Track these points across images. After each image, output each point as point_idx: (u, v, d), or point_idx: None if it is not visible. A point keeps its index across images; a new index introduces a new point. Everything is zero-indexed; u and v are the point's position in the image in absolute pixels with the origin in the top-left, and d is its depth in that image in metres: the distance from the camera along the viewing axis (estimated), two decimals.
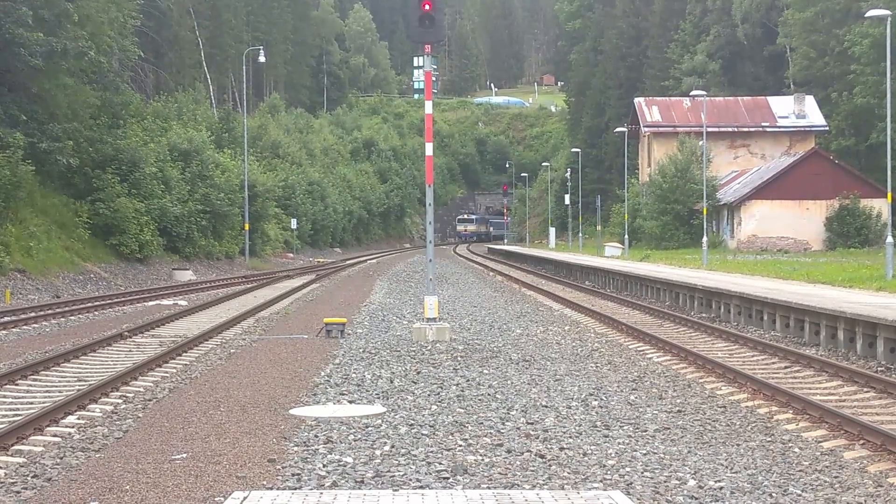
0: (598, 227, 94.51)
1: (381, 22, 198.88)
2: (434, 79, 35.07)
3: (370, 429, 12.98)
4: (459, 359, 19.94)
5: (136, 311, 32.41)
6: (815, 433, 12.79)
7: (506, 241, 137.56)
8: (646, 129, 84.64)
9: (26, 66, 43.90)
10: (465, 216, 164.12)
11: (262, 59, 75.26)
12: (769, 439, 12.55)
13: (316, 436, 12.50)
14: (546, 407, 14.59)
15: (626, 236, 70.65)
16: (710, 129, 64.92)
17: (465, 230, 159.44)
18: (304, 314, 30.68)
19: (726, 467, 11.09)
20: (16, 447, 11.98)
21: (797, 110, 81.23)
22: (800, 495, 10.00)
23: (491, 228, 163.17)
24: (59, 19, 45.64)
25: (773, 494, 10.00)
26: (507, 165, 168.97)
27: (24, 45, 43.00)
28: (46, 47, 43.68)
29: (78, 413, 14.07)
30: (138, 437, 12.61)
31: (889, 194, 34.97)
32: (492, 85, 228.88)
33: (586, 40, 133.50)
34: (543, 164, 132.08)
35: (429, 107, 24.31)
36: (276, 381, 16.97)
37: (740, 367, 18.14)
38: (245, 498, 9.19)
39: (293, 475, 10.54)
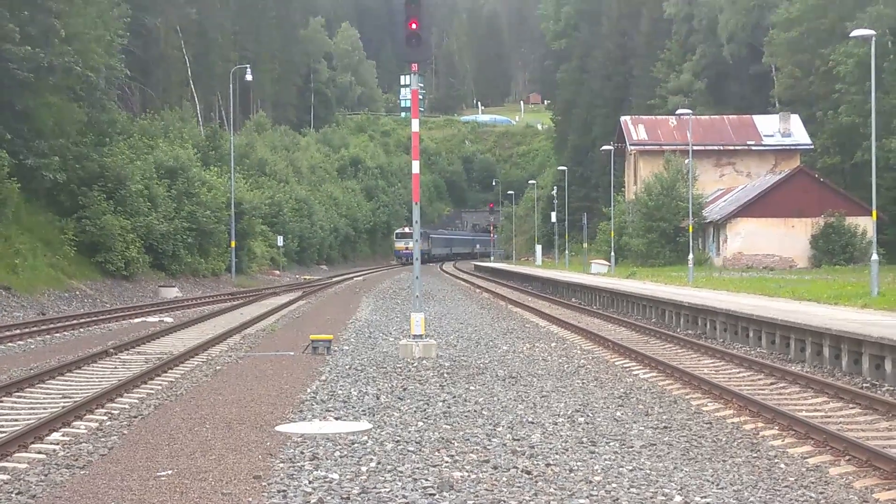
0: (585, 245, 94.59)
1: (369, 40, 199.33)
2: (421, 97, 35.13)
3: (356, 445, 12.96)
4: (446, 375, 19.92)
5: (121, 328, 32.32)
6: (801, 449, 12.81)
7: (492, 258, 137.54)
8: (632, 147, 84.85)
9: (13, 81, 43.85)
10: (407, 229, 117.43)
11: (248, 77, 75.25)
12: (755, 455, 12.57)
13: (302, 452, 12.47)
14: (532, 423, 14.59)
15: (613, 254, 70.76)
16: (696, 148, 65.12)
17: (406, 249, 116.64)
18: (291, 331, 30.63)
19: (712, 483, 11.10)
20: (0, 464, 11.92)
21: (782, 129, 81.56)
22: None
23: (476, 246, 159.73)
24: (46, 35, 45.61)
25: None
26: (494, 183, 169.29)
27: (11, 59, 42.97)
28: (33, 62, 43.65)
29: (63, 430, 14.02)
30: (123, 453, 12.57)
31: (874, 212, 35.11)
32: (478, 103, 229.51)
33: (573, 59, 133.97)
34: (530, 181, 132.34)
35: (415, 125, 24.33)
36: (262, 398, 16.93)
37: (726, 383, 18.17)
38: None
39: (279, 492, 10.52)
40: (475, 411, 15.61)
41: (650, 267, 67.08)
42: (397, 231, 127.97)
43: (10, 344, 26.73)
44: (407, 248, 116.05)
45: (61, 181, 47.80)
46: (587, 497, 10.41)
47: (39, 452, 12.66)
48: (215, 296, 51.82)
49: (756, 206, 65.76)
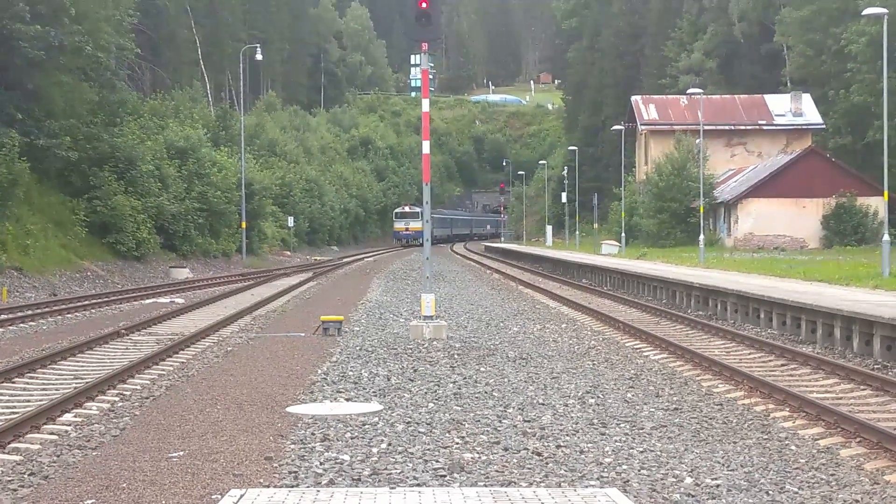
0: (595, 225, 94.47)
1: (379, 20, 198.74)
2: (431, 77, 35.05)
3: (367, 426, 12.98)
4: (456, 356, 19.94)
5: (132, 309, 32.40)
6: (812, 431, 12.80)
7: (503, 239, 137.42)
8: (643, 127, 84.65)
9: (24, 61, 43.86)
10: (406, 208, 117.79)
11: (259, 56, 75.13)
12: (766, 437, 12.56)
13: (313, 433, 12.50)
14: (543, 405, 14.60)
15: (623, 234, 70.66)
16: (706, 127, 64.90)
17: (406, 230, 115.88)
18: (301, 312, 30.67)
19: (723, 465, 11.10)
20: (13, 445, 11.98)
21: (794, 108, 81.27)
22: (796, 493, 10.01)
23: (486, 227, 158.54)
24: (56, 14, 45.59)
25: (770, 492, 10.01)
26: (505, 163, 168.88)
27: (22, 38, 42.98)
28: (44, 42, 43.66)
29: (75, 411, 14.07)
30: (135, 435, 12.61)
31: (885, 192, 35.05)
32: (489, 83, 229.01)
33: (583, 38, 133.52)
34: (540, 162, 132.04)
35: (426, 105, 24.29)
36: (273, 379, 16.97)
37: (737, 364, 18.15)
38: (242, 496, 9.18)
39: (290, 473, 10.54)
40: (486, 393, 15.62)
41: (661, 248, 66.99)
42: (396, 210, 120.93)
43: (21, 325, 26.81)
44: (407, 230, 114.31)
45: (73, 160, 47.85)
46: (598, 478, 10.42)
47: (52, 433, 12.70)
48: (226, 277, 51.91)
49: (767, 187, 65.55)
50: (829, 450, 11.82)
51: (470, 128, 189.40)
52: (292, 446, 11.81)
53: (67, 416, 13.70)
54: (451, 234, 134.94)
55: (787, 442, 12.27)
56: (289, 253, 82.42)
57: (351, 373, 17.63)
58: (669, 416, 13.88)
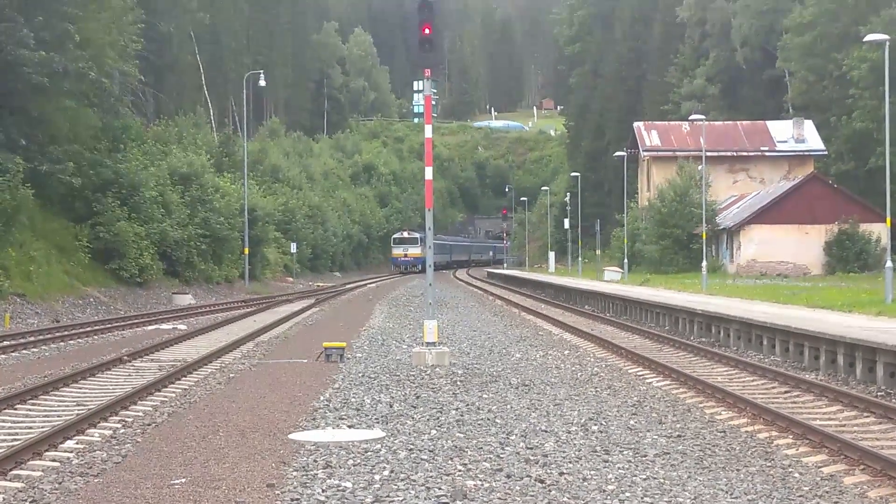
0: (598, 252, 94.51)
1: (382, 46, 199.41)
2: (434, 103, 35.12)
3: (369, 453, 12.96)
4: (459, 383, 19.91)
5: (135, 336, 32.39)
6: (815, 458, 12.77)
7: (505, 265, 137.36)
8: (645, 153, 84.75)
9: (28, 86, 44.00)
10: (405, 234, 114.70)
11: (262, 82, 75.38)
12: (769, 464, 12.53)
13: (315, 461, 12.48)
14: (545, 432, 14.57)
15: (626, 260, 70.63)
16: (709, 154, 65.02)
17: (405, 256, 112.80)
18: (304, 338, 30.65)
19: (726, 492, 11.07)
20: (14, 472, 11.96)
21: (796, 135, 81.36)
22: None
23: (490, 253, 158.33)
24: (60, 40, 45.75)
25: None
26: (507, 189, 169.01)
27: (26, 64, 43.15)
28: (48, 67, 43.82)
29: (77, 438, 14.05)
30: (137, 461, 12.59)
31: (888, 219, 34.97)
32: (491, 109, 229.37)
33: (586, 64, 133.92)
34: (543, 188, 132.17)
35: (428, 131, 24.34)
36: (276, 406, 16.95)
37: (740, 391, 18.12)
38: None
39: (292, 500, 10.52)
40: (488, 419, 15.60)
41: (663, 274, 66.97)
42: (394, 236, 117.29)
43: (24, 351, 26.81)
44: (406, 256, 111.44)
45: (76, 186, 47.93)
46: None
47: (53, 460, 12.69)
48: (229, 303, 51.90)
49: (770, 213, 65.58)
50: (832, 477, 11.79)
51: (472, 154, 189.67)
52: (294, 473, 11.79)
53: (69, 443, 13.68)
54: (450, 260, 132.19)
55: (790, 469, 12.24)
56: (291, 279, 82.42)
57: (353, 399, 17.61)
58: (672, 443, 13.85)
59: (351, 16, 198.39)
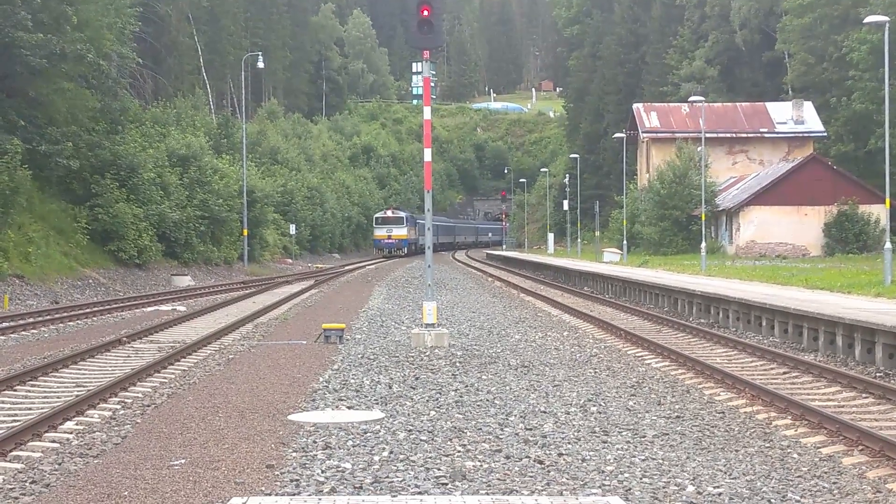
0: (597, 233, 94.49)
1: (381, 27, 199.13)
2: (433, 84, 35.06)
3: (369, 434, 12.97)
4: (458, 364, 19.93)
5: (134, 317, 32.40)
6: (814, 439, 12.79)
7: (504, 246, 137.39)
8: (644, 134, 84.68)
9: (26, 68, 43.94)
10: (389, 213, 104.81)
11: (260, 64, 75.32)
12: (768, 445, 12.54)
13: (314, 441, 12.49)
14: (544, 413, 14.59)
15: (625, 242, 70.65)
16: (708, 135, 64.94)
17: (388, 238, 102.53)
18: (303, 320, 30.66)
19: (725, 473, 11.09)
20: (14, 453, 11.97)
21: (795, 116, 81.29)
22: (798, 501, 10.00)
23: (488, 234, 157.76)
24: (58, 22, 45.68)
25: (772, 500, 10.00)
26: (506, 171, 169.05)
27: (24, 46, 43.07)
28: (46, 49, 43.74)
29: (76, 419, 14.06)
30: (137, 442, 12.60)
31: (888, 200, 34.99)
32: (490, 90, 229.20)
33: (585, 46, 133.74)
34: (542, 169, 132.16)
35: (427, 112, 24.31)
36: (275, 387, 16.96)
37: (739, 372, 18.14)
38: (243, 503, 9.18)
39: (292, 481, 10.53)
40: (487, 400, 15.61)
41: (663, 255, 67.00)
42: (377, 215, 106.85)
43: (23, 332, 26.82)
44: (389, 237, 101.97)
45: (74, 168, 47.88)
46: (599, 487, 10.40)
47: (53, 441, 12.70)
48: (228, 284, 51.90)
49: (769, 194, 65.58)
50: (831, 458, 11.81)
51: (471, 135, 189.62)
52: (294, 454, 11.81)
53: (69, 424, 13.69)
54: (447, 241, 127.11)
55: (789, 450, 12.25)
56: (290, 261, 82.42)
57: (353, 381, 17.62)
58: (671, 424, 13.87)
59: None
